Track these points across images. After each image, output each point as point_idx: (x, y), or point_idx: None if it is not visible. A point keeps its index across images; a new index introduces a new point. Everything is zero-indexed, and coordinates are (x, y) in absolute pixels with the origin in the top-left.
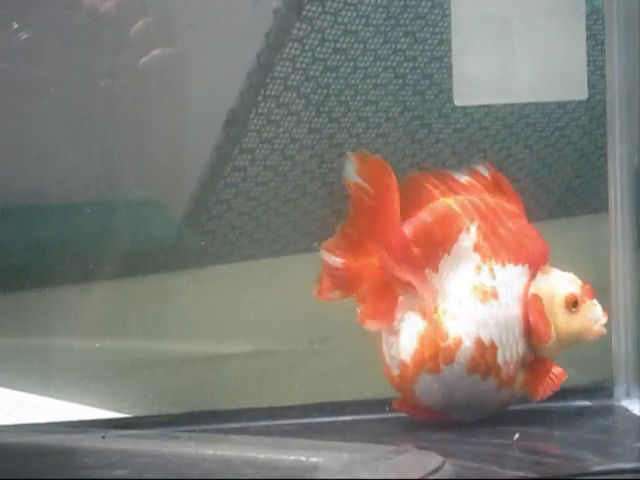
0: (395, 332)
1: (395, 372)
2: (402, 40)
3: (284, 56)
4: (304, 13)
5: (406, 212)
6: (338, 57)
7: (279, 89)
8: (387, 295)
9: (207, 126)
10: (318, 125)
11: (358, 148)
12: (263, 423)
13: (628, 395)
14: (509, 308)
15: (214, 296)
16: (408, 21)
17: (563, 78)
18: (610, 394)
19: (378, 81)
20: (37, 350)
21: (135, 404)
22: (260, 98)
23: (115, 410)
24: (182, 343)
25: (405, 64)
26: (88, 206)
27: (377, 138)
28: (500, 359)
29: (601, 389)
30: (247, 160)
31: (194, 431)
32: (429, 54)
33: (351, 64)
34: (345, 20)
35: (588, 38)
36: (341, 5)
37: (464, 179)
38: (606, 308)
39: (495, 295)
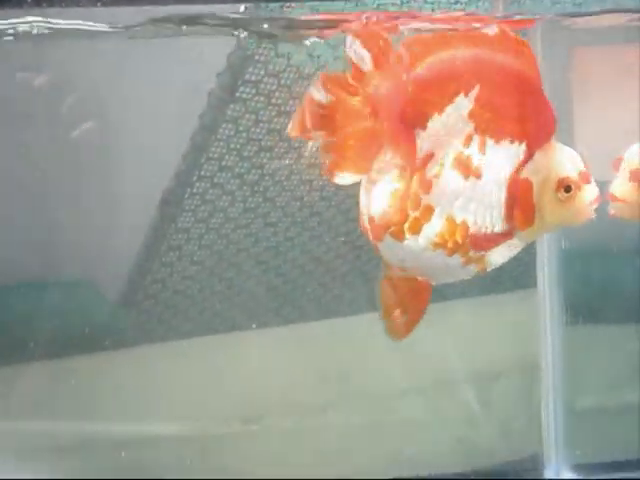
0: (372, 181)
1: (365, 223)
2: None
3: (219, 137)
4: (238, 95)
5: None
6: (272, 137)
7: (214, 169)
8: (370, 143)
9: (142, 205)
10: (253, 204)
11: (292, 227)
12: None
13: (558, 474)
14: (492, 190)
15: (148, 376)
16: None
17: None
18: (540, 474)
19: (312, 160)
20: None
21: None
22: (195, 178)
23: None
24: (115, 425)
25: None
26: (21, 287)
27: (311, 217)
28: (470, 240)
29: (531, 469)
30: (182, 239)
31: None
32: None
33: (285, 144)
34: (279, 101)
35: None
36: (274, 87)
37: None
38: (535, 386)
39: (478, 174)
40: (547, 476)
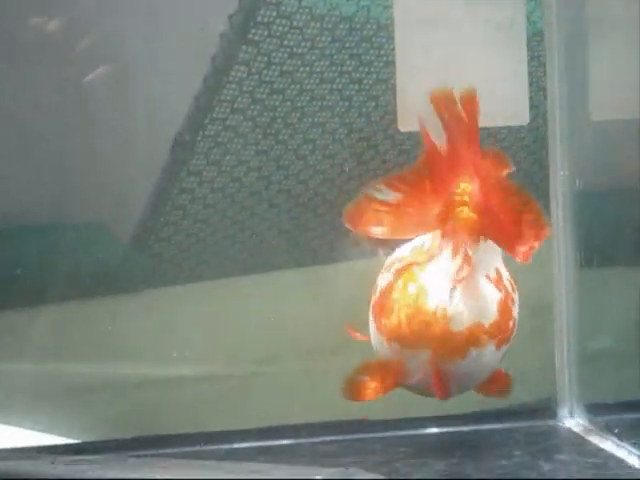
0: (470, 288)
1: (455, 328)
2: (348, 62)
3: (231, 79)
4: (250, 37)
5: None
6: (284, 80)
7: (226, 112)
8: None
9: (154, 148)
10: (265, 147)
11: (304, 170)
12: (215, 447)
13: (571, 415)
14: None
15: (162, 318)
16: (354, 44)
17: (505, 103)
18: (553, 414)
19: (324, 103)
20: None
21: (84, 429)
22: (207, 121)
23: (64, 435)
24: (130, 367)
25: (351, 86)
26: (34, 229)
27: (324, 160)
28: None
29: (544, 409)
30: (194, 182)
31: (144, 456)
32: (375, 76)
33: (297, 86)
34: (291, 43)
35: (532, 60)
36: (287, 29)
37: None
38: (549, 328)
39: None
40: (561, 416)
